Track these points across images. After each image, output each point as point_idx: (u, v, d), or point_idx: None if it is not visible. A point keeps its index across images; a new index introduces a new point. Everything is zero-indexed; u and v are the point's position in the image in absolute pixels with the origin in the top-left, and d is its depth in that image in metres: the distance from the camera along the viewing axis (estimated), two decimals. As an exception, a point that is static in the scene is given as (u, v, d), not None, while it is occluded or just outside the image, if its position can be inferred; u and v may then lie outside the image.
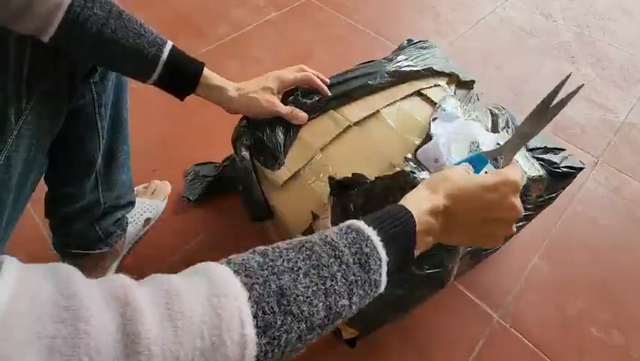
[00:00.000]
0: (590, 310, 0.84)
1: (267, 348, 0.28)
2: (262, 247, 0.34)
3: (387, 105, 0.72)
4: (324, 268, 0.33)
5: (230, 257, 0.32)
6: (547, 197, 0.70)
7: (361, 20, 1.48)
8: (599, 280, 0.88)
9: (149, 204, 0.91)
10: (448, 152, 0.63)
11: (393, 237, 0.37)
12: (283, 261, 0.32)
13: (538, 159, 0.68)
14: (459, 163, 0.51)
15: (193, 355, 0.25)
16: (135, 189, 0.93)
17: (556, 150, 0.71)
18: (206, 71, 0.61)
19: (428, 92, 0.75)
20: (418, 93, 0.75)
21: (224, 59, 1.32)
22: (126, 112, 0.72)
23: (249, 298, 0.28)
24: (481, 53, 1.38)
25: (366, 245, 0.36)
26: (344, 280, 0.33)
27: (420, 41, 0.85)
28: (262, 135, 0.70)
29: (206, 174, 0.97)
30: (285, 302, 0.30)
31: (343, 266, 0.34)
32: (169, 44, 0.56)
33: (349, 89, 0.73)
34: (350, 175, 0.60)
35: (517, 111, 0.77)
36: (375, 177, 0.58)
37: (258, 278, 0.30)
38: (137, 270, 0.86)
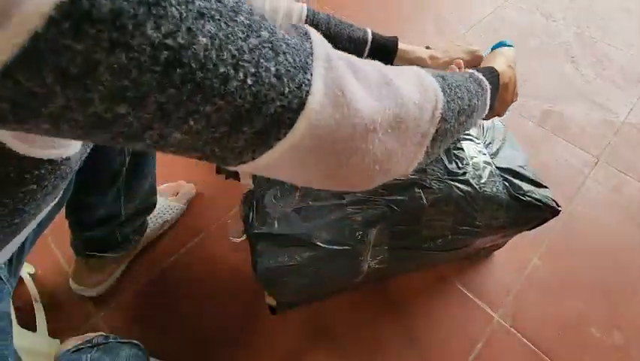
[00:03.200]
0: (590, 310, 0.84)
1: (445, 103, 0.38)
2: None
3: None
4: (459, 77, 0.43)
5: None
6: (504, 222, 0.67)
7: (362, 20, 1.47)
8: (599, 280, 0.88)
9: (170, 206, 0.90)
10: None
11: (489, 77, 0.50)
12: (430, 70, 0.41)
13: (505, 178, 0.66)
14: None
15: (415, 88, 0.36)
16: (159, 187, 0.92)
17: (537, 184, 0.67)
18: (401, 44, 0.70)
19: None
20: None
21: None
22: None
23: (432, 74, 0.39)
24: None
25: (476, 74, 0.48)
26: (472, 87, 0.44)
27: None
28: None
29: None
30: (447, 84, 0.40)
31: (469, 80, 0.45)
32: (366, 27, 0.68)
33: None
34: None
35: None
36: None
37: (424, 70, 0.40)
38: (143, 268, 0.86)
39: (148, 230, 0.85)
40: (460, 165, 0.64)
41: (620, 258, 0.92)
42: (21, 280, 0.79)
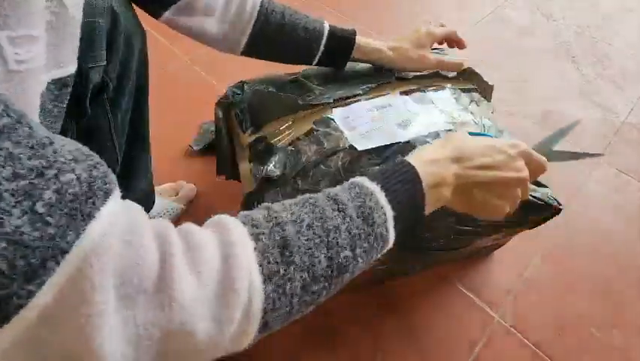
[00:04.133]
0: (590, 311, 0.84)
1: (273, 296, 0.30)
2: (266, 204, 0.35)
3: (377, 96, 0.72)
4: (328, 221, 0.33)
5: (238, 213, 0.34)
6: (506, 221, 0.64)
7: (362, 20, 1.48)
8: (599, 280, 0.88)
9: (168, 206, 0.90)
10: (371, 118, 0.68)
11: (396, 191, 0.38)
12: (287, 214, 0.33)
13: None
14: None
15: (210, 299, 0.27)
16: (159, 187, 0.92)
17: (537, 184, 0.67)
18: (359, 37, 0.69)
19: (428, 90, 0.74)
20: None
21: (224, 60, 1.31)
22: (146, 123, 0.70)
23: (255, 248, 0.30)
24: (481, 52, 1.38)
25: (370, 199, 0.36)
26: (347, 233, 0.34)
27: (435, 49, 0.85)
28: (252, 100, 0.72)
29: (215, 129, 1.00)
30: (287, 253, 0.31)
31: (347, 219, 0.34)
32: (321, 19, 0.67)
33: (350, 93, 0.73)
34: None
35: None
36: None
37: (263, 229, 0.31)
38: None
39: None
40: None
41: (620, 258, 0.92)
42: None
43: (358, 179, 0.39)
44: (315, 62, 0.69)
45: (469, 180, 0.43)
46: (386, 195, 0.37)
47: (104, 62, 0.52)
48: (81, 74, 0.48)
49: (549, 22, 1.52)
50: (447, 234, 0.66)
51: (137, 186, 0.75)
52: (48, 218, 0.21)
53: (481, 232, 0.67)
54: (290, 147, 0.66)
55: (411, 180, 0.39)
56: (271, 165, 0.64)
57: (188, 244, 0.29)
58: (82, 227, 0.22)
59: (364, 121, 0.68)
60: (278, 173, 0.63)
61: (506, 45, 1.42)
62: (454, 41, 0.76)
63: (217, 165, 0.82)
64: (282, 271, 0.30)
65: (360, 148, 0.65)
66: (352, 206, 0.35)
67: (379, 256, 0.38)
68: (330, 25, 0.67)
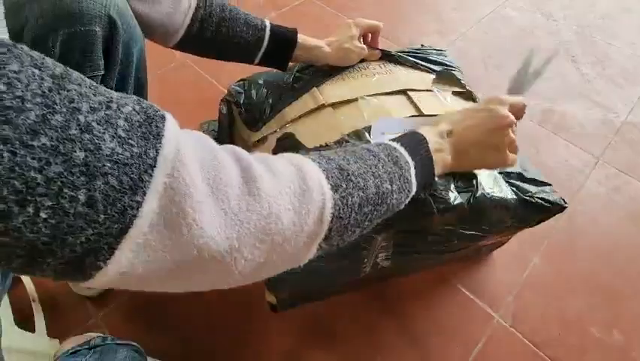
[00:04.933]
0: (590, 310, 0.84)
1: (339, 204, 0.34)
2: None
3: (369, 95, 0.71)
4: (367, 160, 0.40)
5: None
6: (511, 224, 0.67)
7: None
8: (599, 280, 0.88)
9: None
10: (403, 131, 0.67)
11: (412, 147, 0.46)
12: (332, 155, 0.39)
13: (510, 184, 0.66)
14: None
15: (290, 195, 0.31)
16: None
17: (540, 183, 0.67)
18: (300, 35, 0.69)
19: (415, 96, 0.72)
20: (405, 93, 0.72)
21: (224, 59, 1.31)
22: None
23: (319, 167, 0.35)
24: (481, 52, 1.38)
25: (395, 150, 0.44)
26: (384, 170, 0.40)
27: (435, 48, 0.85)
28: (254, 98, 0.73)
29: (215, 129, 1.00)
30: (345, 174, 0.36)
31: (381, 161, 0.41)
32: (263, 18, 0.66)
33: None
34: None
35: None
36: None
37: (320, 159, 0.37)
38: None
39: None
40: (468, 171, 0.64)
41: (620, 258, 0.92)
42: (20, 280, 0.79)
43: (381, 141, 0.46)
44: (256, 61, 0.68)
45: (461, 144, 0.52)
46: (405, 149, 0.45)
47: (102, 71, 0.51)
48: None
49: (549, 22, 1.52)
50: (451, 239, 0.66)
51: None
52: (130, 141, 0.24)
53: (485, 236, 0.67)
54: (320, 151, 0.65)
55: (421, 140, 0.48)
56: None
57: (260, 158, 0.33)
58: (157, 144, 0.25)
59: (396, 133, 0.66)
60: None
61: (506, 45, 1.42)
62: (374, 37, 0.80)
63: None
64: (343, 185, 0.35)
65: None
66: (383, 154, 0.42)
67: (406, 203, 0.44)
68: (270, 23, 0.67)
